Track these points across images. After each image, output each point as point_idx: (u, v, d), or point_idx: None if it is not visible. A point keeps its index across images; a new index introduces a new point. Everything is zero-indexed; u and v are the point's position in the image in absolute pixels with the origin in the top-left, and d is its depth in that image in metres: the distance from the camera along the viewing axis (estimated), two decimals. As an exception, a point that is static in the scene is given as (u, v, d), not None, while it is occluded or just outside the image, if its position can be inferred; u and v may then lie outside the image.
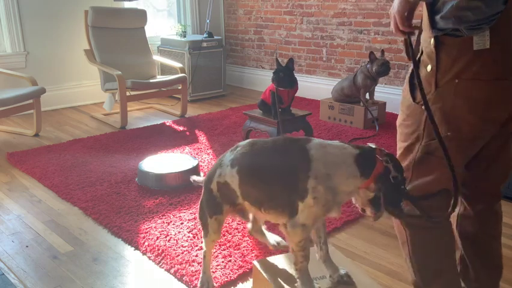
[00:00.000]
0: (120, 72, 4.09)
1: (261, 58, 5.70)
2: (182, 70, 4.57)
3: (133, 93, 4.31)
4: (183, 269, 2.05)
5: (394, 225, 1.58)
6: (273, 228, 2.07)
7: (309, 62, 5.22)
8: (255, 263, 1.77)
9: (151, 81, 4.38)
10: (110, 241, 2.33)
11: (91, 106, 4.93)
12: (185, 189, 2.84)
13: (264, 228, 1.88)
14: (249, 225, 1.88)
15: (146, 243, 2.26)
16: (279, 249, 1.92)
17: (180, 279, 2.01)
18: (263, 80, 5.55)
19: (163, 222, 2.47)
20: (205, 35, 5.22)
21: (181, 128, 4.14)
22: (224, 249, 2.20)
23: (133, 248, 2.26)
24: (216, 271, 2.03)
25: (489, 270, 1.60)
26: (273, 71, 3.43)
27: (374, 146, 1.47)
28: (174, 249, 2.20)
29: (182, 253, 2.17)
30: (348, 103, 4.12)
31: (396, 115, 1.65)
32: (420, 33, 1.44)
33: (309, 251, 1.56)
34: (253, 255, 2.16)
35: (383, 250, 2.24)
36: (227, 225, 2.42)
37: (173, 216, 2.53)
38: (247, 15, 5.71)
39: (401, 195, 1.41)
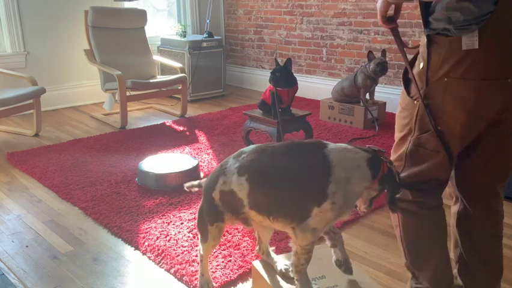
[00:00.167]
0: (120, 72, 4.09)
1: (261, 58, 5.70)
2: (182, 70, 4.57)
3: (133, 93, 4.31)
4: (183, 269, 2.05)
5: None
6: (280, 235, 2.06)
7: (309, 62, 5.22)
8: (255, 263, 1.77)
9: (151, 81, 4.38)
10: (110, 241, 2.33)
11: (91, 106, 4.93)
12: (185, 189, 2.83)
13: (271, 250, 1.78)
14: (257, 248, 1.79)
15: (146, 243, 2.26)
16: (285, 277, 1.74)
17: (180, 279, 2.01)
18: (263, 80, 5.55)
19: (163, 222, 2.47)
20: (205, 35, 5.22)
21: (181, 128, 4.14)
22: (224, 249, 2.20)
23: (133, 248, 2.26)
24: (216, 271, 2.03)
25: (488, 269, 1.60)
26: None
27: (376, 148, 1.52)
28: (174, 249, 2.20)
29: (182, 253, 2.17)
30: (348, 103, 4.12)
31: (396, 115, 1.67)
32: None
33: (312, 254, 1.56)
34: (253, 255, 2.16)
35: (383, 250, 2.24)
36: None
37: (173, 216, 2.53)
38: (247, 15, 5.71)
39: (399, 190, 1.51)
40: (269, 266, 1.74)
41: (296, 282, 1.56)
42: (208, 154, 3.46)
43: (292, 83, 3.38)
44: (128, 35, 4.65)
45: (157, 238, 2.31)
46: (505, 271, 2.02)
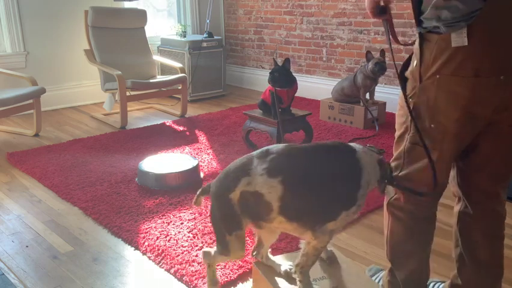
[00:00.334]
0: (120, 72, 4.09)
1: (261, 58, 5.70)
2: (182, 70, 4.57)
3: (133, 93, 4.31)
4: (183, 269, 2.05)
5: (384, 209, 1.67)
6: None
7: (309, 62, 5.22)
8: (255, 263, 1.77)
9: (151, 81, 4.38)
10: (110, 241, 2.33)
11: (91, 106, 4.93)
12: (185, 189, 2.84)
13: (269, 252, 1.74)
14: (255, 252, 1.73)
15: (146, 243, 2.26)
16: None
17: (180, 279, 2.01)
18: (263, 80, 5.54)
19: (163, 222, 2.47)
20: (205, 35, 5.22)
21: (181, 128, 4.14)
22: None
23: (133, 248, 2.26)
24: (215, 271, 2.03)
25: (487, 269, 1.60)
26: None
27: (373, 147, 1.56)
28: (174, 249, 2.20)
29: (182, 253, 2.17)
30: (348, 103, 4.12)
31: (396, 115, 1.67)
32: None
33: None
34: (253, 255, 2.15)
35: (383, 250, 2.23)
36: (227, 225, 2.42)
37: (173, 216, 2.53)
38: (247, 15, 5.71)
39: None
40: (269, 267, 1.74)
41: (299, 283, 1.56)
42: (208, 154, 3.46)
43: (292, 83, 3.38)
44: (128, 35, 4.65)
45: (157, 238, 2.31)
46: (505, 271, 2.02)
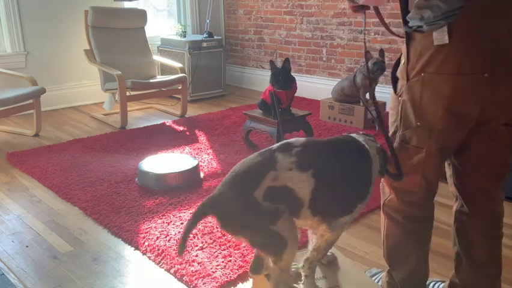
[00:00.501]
0: (120, 72, 4.09)
1: (261, 58, 5.70)
2: (182, 70, 4.57)
3: (133, 93, 4.31)
4: (183, 269, 2.05)
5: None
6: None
7: (309, 62, 5.22)
8: (255, 263, 1.77)
9: (151, 81, 4.38)
10: (110, 241, 2.33)
11: (91, 106, 4.93)
12: (185, 189, 2.84)
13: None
14: (252, 271, 1.61)
15: (146, 243, 2.26)
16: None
17: (180, 279, 2.01)
18: (263, 80, 5.55)
19: (163, 222, 2.47)
20: (205, 35, 5.22)
21: (181, 128, 4.14)
22: (224, 249, 2.20)
23: (133, 248, 2.26)
24: (215, 271, 2.03)
25: (484, 268, 1.60)
26: (270, 72, 3.42)
27: (368, 134, 1.60)
28: (174, 249, 2.20)
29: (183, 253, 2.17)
30: (348, 103, 4.12)
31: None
32: None
33: None
34: (253, 255, 2.15)
35: (383, 250, 2.24)
36: (227, 225, 2.42)
37: (173, 216, 2.53)
38: (247, 15, 5.71)
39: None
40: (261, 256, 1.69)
41: (304, 278, 1.55)
42: (208, 154, 3.47)
43: (292, 84, 3.40)
44: (128, 35, 4.65)
45: (157, 238, 2.31)
46: (505, 271, 2.02)
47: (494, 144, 1.47)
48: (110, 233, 2.40)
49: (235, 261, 2.11)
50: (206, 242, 2.27)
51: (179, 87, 4.55)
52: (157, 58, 4.90)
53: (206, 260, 2.12)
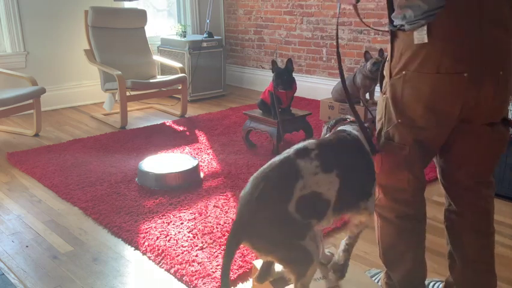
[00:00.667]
0: (120, 72, 4.09)
1: (261, 58, 5.70)
2: (182, 70, 4.57)
3: (133, 93, 4.31)
4: (183, 269, 2.05)
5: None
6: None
7: (309, 62, 5.21)
8: (255, 263, 1.77)
9: (151, 81, 4.38)
10: (110, 241, 2.33)
11: (91, 106, 4.93)
12: (185, 189, 2.84)
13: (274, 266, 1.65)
14: (260, 280, 1.61)
15: (146, 243, 2.26)
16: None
17: (180, 279, 2.01)
18: (263, 80, 5.55)
19: (163, 222, 2.47)
20: (205, 35, 5.22)
21: (181, 128, 4.14)
22: (224, 249, 2.20)
23: (133, 248, 2.26)
24: (216, 271, 2.03)
25: (475, 265, 1.60)
26: (272, 71, 3.43)
27: (350, 121, 1.63)
28: (174, 249, 2.20)
29: (182, 253, 2.17)
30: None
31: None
32: None
33: None
34: (253, 255, 2.16)
35: (383, 250, 2.24)
36: (227, 225, 2.42)
37: (173, 216, 2.53)
38: (247, 15, 5.71)
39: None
40: (270, 264, 1.70)
41: (345, 261, 1.65)
42: (208, 154, 3.46)
43: (293, 84, 3.41)
44: (128, 35, 4.65)
45: (157, 238, 2.31)
46: (505, 271, 2.02)
47: (477, 144, 1.48)
48: (110, 233, 2.40)
49: (235, 261, 2.11)
50: (206, 242, 2.27)
51: (179, 87, 4.55)
52: (157, 58, 4.90)
53: (206, 260, 2.12)
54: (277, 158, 1.43)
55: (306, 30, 5.15)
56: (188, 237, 2.32)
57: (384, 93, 1.52)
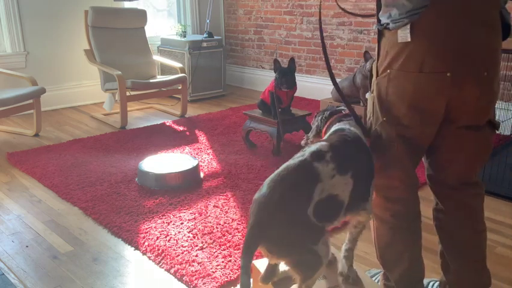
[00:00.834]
0: (120, 72, 4.09)
1: (261, 58, 5.70)
2: (182, 70, 4.57)
3: (133, 93, 4.31)
4: (183, 269, 2.05)
5: None
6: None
7: (309, 62, 5.22)
8: (255, 263, 1.77)
9: (151, 81, 4.38)
10: (110, 241, 2.33)
11: (91, 106, 4.93)
12: (185, 189, 2.84)
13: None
14: (264, 280, 1.59)
15: (146, 243, 2.26)
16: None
17: (180, 279, 2.01)
18: (263, 80, 5.55)
19: (163, 222, 2.47)
20: (205, 35, 5.22)
21: (181, 128, 4.14)
22: (224, 249, 2.20)
23: (133, 248, 2.26)
24: (216, 271, 2.03)
25: (465, 263, 1.61)
26: (274, 71, 3.43)
27: (348, 115, 1.64)
28: (174, 249, 2.20)
29: (182, 253, 2.17)
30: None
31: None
32: None
33: None
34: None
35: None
36: (227, 225, 2.42)
37: (173, 216, 2.53)
38: (247, 15, 5.71)
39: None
40: (276, 265, 1.69)
41: (350, 267, 1.64)
42: (208, 154, 3.47)
43: (295, 84, 3.41)
44: (128, 35, 4.65)
45: (157, 238, 2.31)
46: (505, 271, 2.02)
47: (462, 147, 1.49)
48: (110, 233, 2.40)
49: (235, 261, 2.11)
50: (206, 242, 2.27)
51: (179, 87, 4.55)
52: (157, 58, 4.90)
53: (206, 260, 2.12)
54: (292, 162, 1.42)
55: (306, 30, 5.15)
56: (188, 237, 2.32)
57: (372, 92, 1.54)
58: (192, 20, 5.74)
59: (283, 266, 1.65)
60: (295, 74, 3.45)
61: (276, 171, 1.42)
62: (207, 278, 1.99)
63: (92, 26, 4.44)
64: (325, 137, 1.60)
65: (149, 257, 2.18)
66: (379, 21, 1.46)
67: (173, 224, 2.44)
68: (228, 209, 2.61)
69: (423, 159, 1.61)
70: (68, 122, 4.38)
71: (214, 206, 2.63)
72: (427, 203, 1.68)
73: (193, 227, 2.41)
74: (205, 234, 2.34)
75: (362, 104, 4.03)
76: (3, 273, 2.06)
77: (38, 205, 2.72)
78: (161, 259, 2.14)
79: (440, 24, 1.32)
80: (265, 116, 3.45)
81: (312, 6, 5.03)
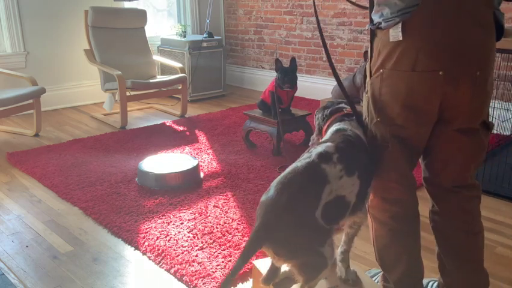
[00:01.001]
0: (120, 72, 4.09)
1: (261, 58, 5.70)
2: (182, 70, 4.57)
3: (133, 93, 4.31)
4: (183, 269, 2.05)
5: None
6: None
7: (309, 62, 5.22)
8: (255, 263, 1.77)
9: (151, 81, 4.38)
10: (110, 241, 2.33)
11: (91, 106, 4.93)
12: (185, 189, 2.84)
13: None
14: (266, 282, 1.58)
15: (146, 243, 2.26)
16: None
17: (180, 279, 2.01)
18: (263, 80, 5.55)
19: (163, 222, 2.47)
20: (205, 35, 5.22)
21: (181, 128, 4.14)
22: (224, 249, 2.20)
23: (133, 248, 2.26)
24: (216, 271, 2.03)
25: (461, 264, 1.60)
26: (274, 71, 3.43)
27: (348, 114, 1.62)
28: (174, 249, 2.20)
29: (183, 253, 2.17)
30: (348, 103, 4.11)
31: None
32: None
33: None
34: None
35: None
36: (227, 225, 2.42)
37: (173, 216, 2.53)
38: (247, 15, 5.71)
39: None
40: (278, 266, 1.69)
41: (347, 270, 1.66)
42: (208, 154, 3.47)
43: (296, 84, 3.42)
44: (128, 35, 4.65)
45: (157, 238, 2.31)
46: (505, 271, 2.02)
47: (457, 150, 1.48)
48: (110, 233, 2.40)
49: (235, 261, 2.11)
50: (206, 242, 2.27)
51: (179, 87, 4.55)
52: (157, 58, 4.90)
53: (206, 260, 2.12)
54: (299, 163, 1.41)
55: (306, 30, 5.15)
56: (188, 237, 2.32)
57: (366, 93, 1.53)
58: (192, 20, 5.74)
59: (284, 267, 1.65)
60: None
61: (283, 173, 1.41)
62: (207, 278, 1.99)
63: (92, 26, 4.44)
64: (326, 136, 1.59)
65: (149, 257, 2.18)
66: (371, 20, 1.46)
67: (173, 224, 2.44)
68: (228, 209, 2.61)
69: (420, 161, 1.61)
70: (68, 122, 4.38)
71: (214, 206, 2.64)
72: (426, 203, 1.68)
73: (193, 227, 2.41)
74: (205, 234, 2.34)
75: (361, 103, 4.03)
76: (3, 273, 2.06)
77: (38, 205, 2.72)
78: (161, 259, 2.14)
79: (432, 23, 1.32)
80: (265, 116, 3.45)
81: (312, 6, 5.02)
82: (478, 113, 1.45)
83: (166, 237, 2.32)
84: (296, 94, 3.57)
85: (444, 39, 1.33)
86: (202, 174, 3.06)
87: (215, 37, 5.28)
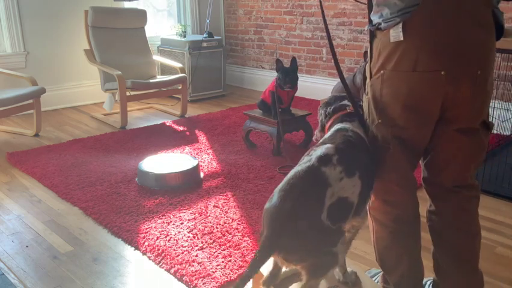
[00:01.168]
0: (120, 72, 4.09)
1: (261, 58, 5.70)
2: (182, 70, 4.57)
3: (133, 93, 4.31)
4: (183, 269, 2.05)
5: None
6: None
7: (309, 62, 5.22)
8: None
9: (151, 81, 4.38)
10: (110, 241, 2.33)
11: (91, 106, 4.93)
12: (185, 189, 2.84)
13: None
14: (266, 284, 1.57)
15: (146, 243, 2.27)
16: None
17: (180, 279, 2.01)
18: (263, 80, 5.55)
19: (163, 222, 2.47)
20: (205, 35, 5.22)
21: (181, 128, 4.14)
22: (224, 249, 2.20)
23: (133, 248, 2.26)
24: (216, 271, 2.03)
25: (458, 264, 1.60)
26: (275, 71, 3.43)
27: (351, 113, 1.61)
28: (174, 249, 2.20)
29: (183, 253, 2.17)
30: (348, 103, 4.11)
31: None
32: None
33: None
34: (253, 255, 2.15)
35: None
36: (227, 225, 2.42)
37: (173, 216, 2.53)
38: (247, 15, 5.71)
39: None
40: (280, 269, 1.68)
41: (346, 274, 1.65)
42: (208, 154, 3.47)
43: (296, 83, 3.42)
44: (128, 35, 4.65)
45: (157, 238, 2.31)
46: (505, 271, 2.02)
47: (457, 150, 1.48)
48: (110, 233, 2.40)
49: (235, 261, 2.11)
50: (206, 242, 2.27)
51: (179, 87, 4.55)
52: (157, 58, 4.90)
53: (206, 260, 2.12)
54: (300, 168, 1.42)
55: (306, 30, 5.15)
56: (188, 237, 2.32)
57: (367, 94, 1.52)
58: (192, 20, 5.74)
59: (284, 268, 1.65)
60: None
61: (285, 179, 1.41)
62: (207, 278, 1.99)
63: (92, 26, 4.44)
64: (327, 136, 1.59)
65: (149, 257, 2.18)
66: (370, 21, 1.45)
67: (173, 224, 2.44)
68: (228, 209, 2.61)
69: (419, 161, 1.61)
70: (68, 122, 4.38)
71: (214, 206, 2.64)
72: (426, 203, 1.68)
73: (193, 227, 2.41)
74: (205, 234, 2.34)
75: (361, 103, 4.03)
76: (3, 273, 2.06)
77: (38, 205, 2.72)
78: (161, 259, 2.14)
79: (432, 23, 1.32)
80: (266, 116, 3.45)
81: (312, 6, 5.03)
82: (478, 112, 1.44)
83: (166, 237, 2.32)
84: (296, 94, 3.57)
85: (444, 39, 1.32)
86: (202, 174, 3.06)
87: (215, 37, 5.28)
